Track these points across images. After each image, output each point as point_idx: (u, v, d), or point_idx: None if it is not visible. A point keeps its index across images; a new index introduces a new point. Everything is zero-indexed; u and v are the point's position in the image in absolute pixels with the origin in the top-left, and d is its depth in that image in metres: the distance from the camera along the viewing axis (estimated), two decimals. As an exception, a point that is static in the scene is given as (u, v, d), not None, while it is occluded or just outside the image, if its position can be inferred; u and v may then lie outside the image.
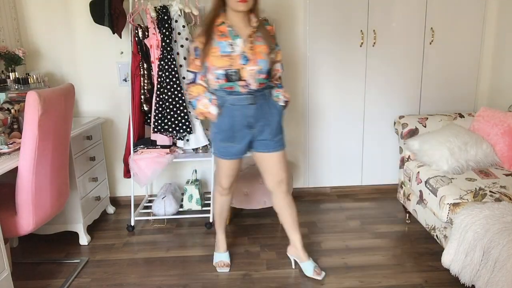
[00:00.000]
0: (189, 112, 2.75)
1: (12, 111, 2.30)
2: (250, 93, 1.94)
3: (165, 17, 2.57)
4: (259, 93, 1.97)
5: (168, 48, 2.59)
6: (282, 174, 2.12)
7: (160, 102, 2.65)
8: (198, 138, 2.80)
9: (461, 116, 2.67)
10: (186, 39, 2.63)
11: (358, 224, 2.79)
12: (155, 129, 2.70)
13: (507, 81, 2.93)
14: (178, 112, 2.66)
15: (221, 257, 2.34)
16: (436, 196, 2.12)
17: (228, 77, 1.90)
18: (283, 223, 2.25)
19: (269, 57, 1.96)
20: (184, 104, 2.66)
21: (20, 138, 2.09)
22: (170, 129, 2.68)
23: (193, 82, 2.03)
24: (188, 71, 2.05)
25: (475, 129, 2.52)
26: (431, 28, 2.99)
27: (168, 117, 2.66)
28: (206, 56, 1.91)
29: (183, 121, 2.67)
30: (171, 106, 2.65)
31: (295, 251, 2.24)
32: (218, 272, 2.27)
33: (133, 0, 2.66)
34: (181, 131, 2.68)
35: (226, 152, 2.06)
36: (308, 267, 2.21)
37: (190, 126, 2.69)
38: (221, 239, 2.37)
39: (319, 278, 2.17)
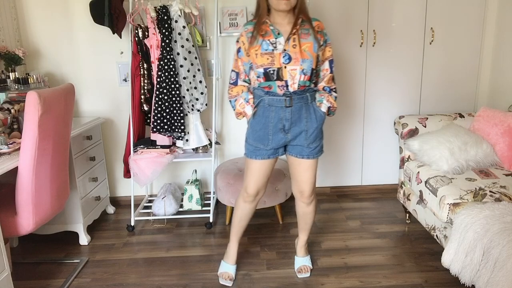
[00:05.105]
0: (188, 113, 2.76)
1: (12, 111, 2.30)
2: (287, 95, 1.85)
3: (165, 17, 2.57)
4: (298, 96, 1.86)
5: (168, 48, 2.59)
6: (305, 186, 2.05)
7: (159, 102, 2.65)
8: (199, 137, 2.80)
9: (461, 116, 2.67)
10: (187, 39, 2.63)
11: (358, 224, 2.79)
12: (154, 129, 2.70)
13: (507, 81, 2.93)
14: (175, 112, 2.67)
15: (227, 268, 2.20)
16: (436, 196, 2.12)
17: (267, 76, 1.84)
18: (298, 222, 2.26)
19: (314, 56, 1.85)
20: (181, 104, 2.67)
21: (20, 138, 2.09)
22: (168, 129, 2.68)
23: (235, 82, 1.98)
24: (232, 70, 2.00)
25: (475, 129, 2.52)
26: (431, 28, 2.99)
27: (167, 117, 2.67)
28: (249, 55, 1.87)
29: (179, 121, 2.67)
30: (169, 106, 2.65)
31: (297, 244, 2.33)
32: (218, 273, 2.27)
33: (133, 0, 2.66)
34: (177, 130, 2.69)
35: (256, 152, 1.96)
36: (298, 262, 2.27)
37: (183, 127, 2.69)
38: (232, 249, 2.22)
39: (298, 275, 2.21)
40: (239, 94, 1.96)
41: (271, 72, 1.83)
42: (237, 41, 1.94)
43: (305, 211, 2.15)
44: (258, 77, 1.87)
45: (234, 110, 1.99)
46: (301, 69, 1.82)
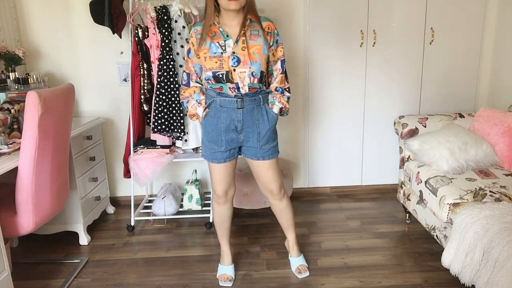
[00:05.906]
0: (186, 113, 2.76)
1: (12, 111, 2.30)
2: (239, 96, 1.86)
3: (165, 17, 2.57)
4: (250, 98, 1.88)
5: (167, 48, 2.59)
6: (271, 185, 2.06)
7: (159, 103, 2.65)
8: (198, 137, 2.80)
9: (461, 116, 2.67)
10: (186, 39, 2.63)
11: (358, 224, 2.79)
12: (155, 129, 2.70)
13: (507, 81, 2.93)
14: (174, 112, 2.67)
15: (224, 270, 2.21)
16: (436, 196, 2.12)
17: (216, 79, 1.84)
18: (280, 223, 2.26)
19: (264, 58, 1.85)
20: (181, 104, 2.66)
21: (20, 138, 2.09)
22: (167, 129, 2.68)
23: (187, 83, 1.99)
24: (183, 71, 2.02)
25: (475, 129, 2.52)
26: (431, 28, 2.99)
27: (165, 117, 2.67)
28: (199, 57, 1.87)
29: (179, 121, 2.67)
30: (168, 106, 2.65)
31: (288, 245, 2.32)
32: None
33: (133, 0, 2.66)
34: (176, 131, 2.69)
35: (214, 155, 1.98)
36: (294, 263, 2.26)
37: (183, 127, 2.69)
38: (225, 251, 2.24)
39: (299, 276, 2.19)
40: (191, 95, 1.96)
41: (220, 75, 1.83)
42: (187, 42, 1.93)
43: (280, 208, 2.16)
44: (207, 79, 1.87)
45: (186, 111, 2.00)
46: (250, 72, 1.83)
